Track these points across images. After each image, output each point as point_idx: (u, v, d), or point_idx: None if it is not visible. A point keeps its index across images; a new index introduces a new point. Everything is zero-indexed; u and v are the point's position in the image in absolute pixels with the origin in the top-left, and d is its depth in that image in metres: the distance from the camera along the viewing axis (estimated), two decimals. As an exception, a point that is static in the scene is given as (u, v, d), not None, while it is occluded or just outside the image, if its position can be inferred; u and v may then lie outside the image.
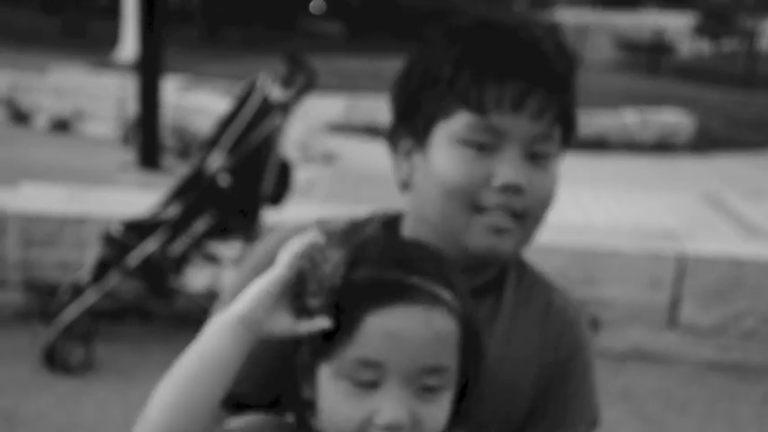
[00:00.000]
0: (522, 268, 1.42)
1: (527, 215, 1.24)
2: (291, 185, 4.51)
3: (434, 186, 1.24)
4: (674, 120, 11.95)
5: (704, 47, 27.04)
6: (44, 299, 4.63)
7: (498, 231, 1.23)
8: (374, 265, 1.12)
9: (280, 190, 4.41)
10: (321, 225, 1.34)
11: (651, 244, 4.89)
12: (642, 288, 4.78)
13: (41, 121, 11.78)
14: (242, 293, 1.19)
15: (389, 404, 1.07)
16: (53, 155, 9.43)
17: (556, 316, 1.39)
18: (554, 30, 1.32)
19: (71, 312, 4.15)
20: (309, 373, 1.14)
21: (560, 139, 1.28)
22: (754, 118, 13.18)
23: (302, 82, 4.39)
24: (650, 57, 22.11)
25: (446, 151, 1.23)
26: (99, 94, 11.62)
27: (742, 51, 22.61)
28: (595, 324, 4.77)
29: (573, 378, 1.38)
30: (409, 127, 1.29)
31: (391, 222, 1.40)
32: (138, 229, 4.25)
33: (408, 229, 1.35)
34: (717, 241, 5.27)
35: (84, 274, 4.29)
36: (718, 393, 4.45)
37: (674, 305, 4.78)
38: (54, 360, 4.14)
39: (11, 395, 3.91)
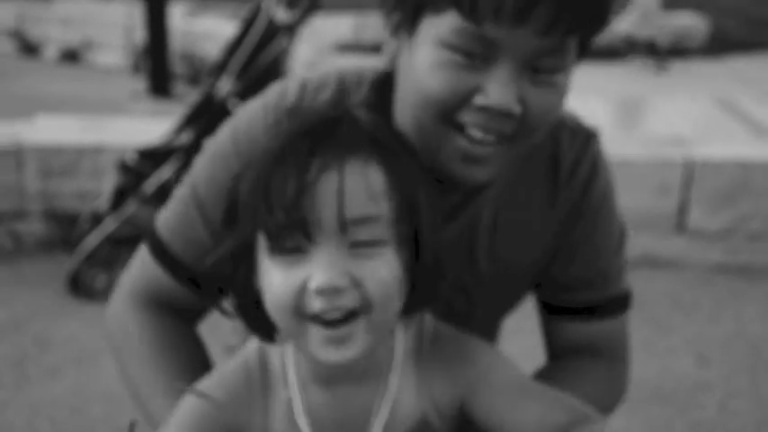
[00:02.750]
0: None
1: (517, 137, 1.10)
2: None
3: (411, 89, 1.11)
4: (688, 23, 11.79)
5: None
6: (65, 228, 4.71)
7: (473, 159, 1.10)
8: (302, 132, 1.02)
9: (289, 113, 4.42)
10: (305, 87, 1.27)
11: (659, 151, 4.91)
12: (650, 195, 4.81)
13: (50, 52, 11.74)
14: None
15: (320, 265, 0.96)
16: (64, 86, 9.41)
17: (568, 175, 1.29)
18: None
19: (92, 240, 4.25)
20: (251, 263, 1.05)
21: (576, 49, 1.11)
22: (768, 18, 12.98)
23: (307, 2, 4.36)
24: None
25: (430, 51, 1.07)
26: (107, 22, 11.52)
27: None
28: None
29: (599, 210, 1.31)
30: (400, 10, 1.14)
31: (381, 83, 1.28)
32: (153, 156, 4.31)
33: (398, 102, 1.21)
34: (724, 145, 5.27)
35: (103, 202, 4.37)
36: (725, 295, 4.52)
37: (682, 210, 4.83)
38: (79, 286, 4.25)
39: (40, 320, 4.01)
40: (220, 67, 4.38)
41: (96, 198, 4.56)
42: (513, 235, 1.29)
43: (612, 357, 1.33)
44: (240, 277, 1.06)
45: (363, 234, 0.97)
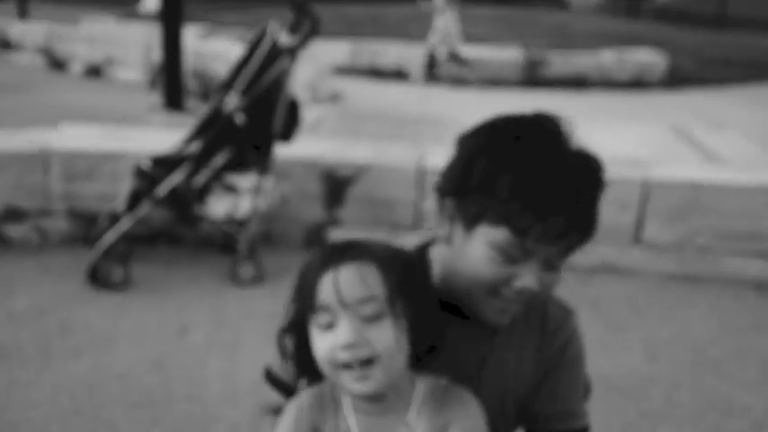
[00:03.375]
0: None
1: (532, 299, 1.41)
2: (300, 122, 4.57)
3: (467, 269, 1.37)
4: (649, 59, 11.89)
5: (680, -10, 26.58)
6: (86, 226, 4.76)
7: (506, 312, 1.39)
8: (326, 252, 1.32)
9: (290, 127, 4.46)
10: None
11: (620, 170, 4.95)
12: (611, 210, 4.84)
13: (76, 67, 11.76)
14: None
15: (342, 332, 1.24)
16: (88, 98, 9.43)
17: (551, 319, 1.52)
18: (597, 170, 1.37)
19: (110, 237, 4.28)
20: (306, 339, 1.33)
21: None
22: (721, 56, 13.07)
23: (307, 28, 4.41)
24: (629, 1, 21.78)
25: (483, 250, 1.34)
26: (127, 42, 11.54)
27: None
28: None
29: (567, 362, 1.52)
30: (459, 203, 1.38)
31: (423, 249, 1.54)
32: (166, 163, 4.34)
33: (437, 264, 1.47)
34: (678, 167, 5.33)
35: (120, 204, 4.40)
36: (674, 300, 4.58)
37: (639, 224, 4.88)
38: (97, 278, 4.28)
39: (63, 308, 4.05)
40: (228, 85, 4.42)
41: (114, 200, 4.59)
42: (504, 372, 1.51)
43: None
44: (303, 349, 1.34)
45: (367, 310, 1.25)
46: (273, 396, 1.53)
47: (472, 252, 1.35)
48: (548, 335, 1.50)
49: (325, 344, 1.27)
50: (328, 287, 1.26)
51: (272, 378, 1.54)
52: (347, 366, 1.26)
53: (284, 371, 1.51)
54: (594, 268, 4.88)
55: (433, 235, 1.52)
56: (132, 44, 11.40)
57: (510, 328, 1.48)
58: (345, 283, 1.25)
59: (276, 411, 1.48)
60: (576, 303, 4.54)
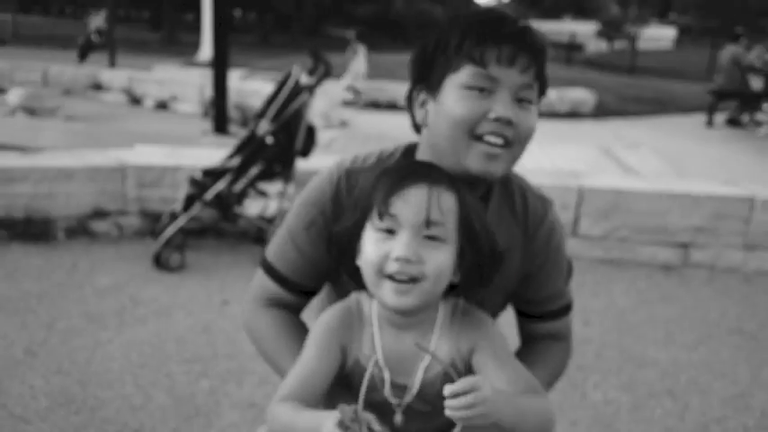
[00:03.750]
0: (508, 176, 1.34)
1: (514, 143, 1.17)
2: (316, 143, 4.52)
3: (444, 120, 1.17)
4: (582, 96, 11.85)
5: (603, 46, 26.66)
6: (152, 222, 4.70)
7: (491, 157, 1.16)
8: (405, 165, 1.14)
9: (308, 146, 4.40)
10: (357, 158, 1.32)
11: (562, 180, 4.93)
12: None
13: (149, 102, 11.73)
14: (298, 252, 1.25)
15: (400, 244, 1.05)
16: (157, 126, 9.41)
17: (532, 213, 1.32)
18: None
19: (170, 231, 4.21)
20: (356, 242, 1.12)
21: (538, 92, 1.21)
22: (634, 95, 13.09)
23: (322, 71, 4.37)
24: (567, 52, 21.83)
25: (454, 94, 1.15)
26: (187, 83, 11.55)
27: (627, 49, 22.37)
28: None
29: (552, 252, 1.34)
30: (425, 83, 1.21)
31: (409, 150, 1.34)
32: (213, 174, 4.29)
33: (421, 154, 1.28)
34: (604, 178, 5.28)
35: (178, 205, 4.33)
36: (602, 279, 4.52)
37: (576, 221, 4.83)
38: (160, 263, 4.22)
39: (134, 285, 3.99)
40: (261, 114, 4.36)
41: (174, 202, 4.53)
42: (504, 240, 1.31)
43: (565, 338, 1.41)
44: (348, 246, 1.13)
45: (434, 231, 1.06)
46: (269, 284, 1.31)
47: (446, 103, 1.16)
48: (530, 228, 1.30)
49: (379, 250, 1.06)
50: (404, 199, 1.05)
51: (268, 268, 1.32)
52: (391, 277, 1.06)
53: (282, 263, 1.30)
54: (541, 254, 4.81)
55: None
56: (190, 85, 11.38)
57: (498, 220, 1.28)
58: (421, 202, 1.05)
59: (271, 300, 1.30)
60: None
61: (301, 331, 1.31)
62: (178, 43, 23.99)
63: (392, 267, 1.05)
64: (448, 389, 0.98)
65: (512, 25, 1.17)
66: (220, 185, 4.21)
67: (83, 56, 14.96)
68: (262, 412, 2.81)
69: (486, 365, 1.12)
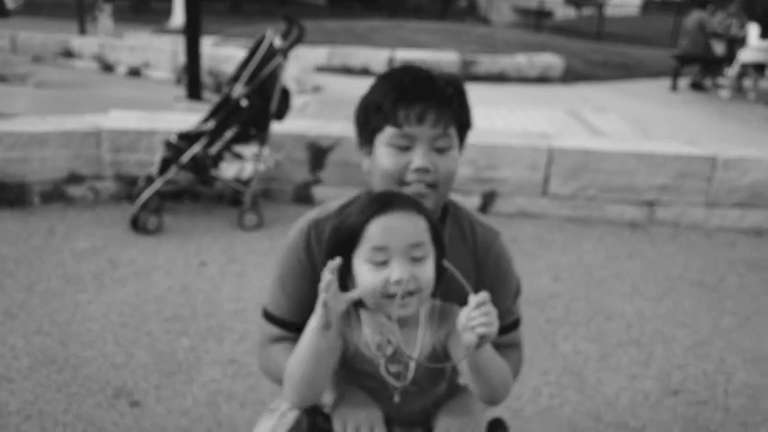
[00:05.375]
0: (457, 210, 1.46)
1: (437, 185, 1.31)
2: (291, 106, 4.47)
3: (378, 173, 1.33)
4: (551, 61, 11.82)
5: (571, 12, 26.63)
6: (128, 186, 4.63)
7: (419, 197, 1.30)
8: (373, 200, 1.22)
9: (283, 109, 4.35)
10: (322, 209, 1.44)
11: (531, 141, 4.94)
12: (525, 170, 4.85)
13: (121, 69, 11.48)
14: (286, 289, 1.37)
15: (396, 270, 1.16)
16: (130, 92, 9.22)
17: (480, 242, 1.44)
18: (450, 75, 1.36)
19: (146, 194, 4.16)
20: (348, 273, 1.22)
21: (458, 135, 1.33)
22: (602, 60, 13.11)
23: (295, 35, 4.31)
24: (536, 19, 21.76)
25: (382, 151, 1.30)
26: (159, 50, 11.33)
27: (595, 16, 22.38)
28: (494, 195, 4.87)
29: (500, 274, 1.44)
30: (364, 139, 1.37)
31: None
32: (188, 137, 4.23)
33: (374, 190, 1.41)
34: (573, 139, 5.31)
35: (154, 169, 4.27)
36: (571, 237, 4.56)
37: (546, 181, 4.86)
38: (137, 226, 4.17)
39: (112, 249, 3.94)
40: (235, 78, 4.30)
41: (150, 166, 4.47)
42: (451, 284, 1.42)
43: (516, 347, 1.53)
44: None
45: (418, 252, 1.18)
46: (271, 329, 1.43)
47: (377, 158, 1.32)
48: (480, 254, 1.42)
49: (377, 278, 1.17)
50: (384, 231, 1.16)
51: (267, 315, 1.45)
52: (392, 296, 1.18)
53: (277, 308, 1.42)
54: (513, 214, 4.85)
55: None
56: (163, 51, 11.15)
57: (451, 246, 1.40)
58: (401, 230, 1.17)
59: (276, 340, 1.41)
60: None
61: None
62: (150, 11, 23.42)
63: (393, 289, 1.16)
64: (473, 298, 1.10)
65: (422, 84, 1.29)
66: (196, 148, 4.15)
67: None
68: (242, 368, 2.83)
69: (458, 343, 1.24)
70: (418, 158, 1.28)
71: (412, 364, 1.22)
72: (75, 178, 4.65)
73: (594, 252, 4.31)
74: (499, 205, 4.86)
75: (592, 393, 2.79)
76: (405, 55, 11.25)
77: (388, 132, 1.29)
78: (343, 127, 5.06)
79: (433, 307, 1.27)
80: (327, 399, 1.24)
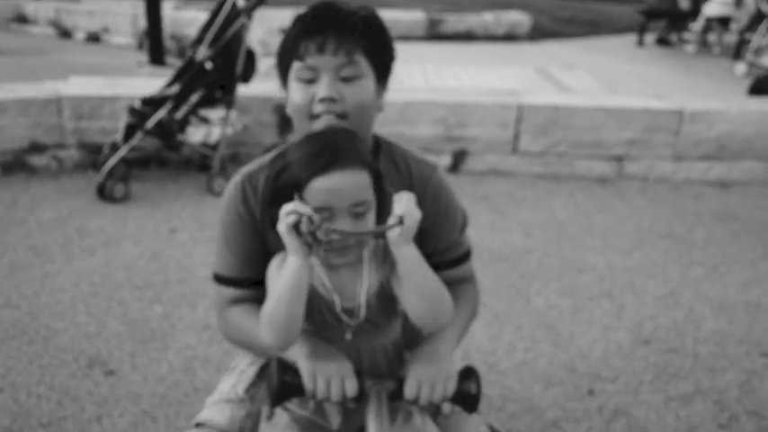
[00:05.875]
0: (390, 146, 1.41)
1: (346, 115, 1.26)
2: (257, 69, 4.39)
3: (291, 109, 1.30)
4: (518, 18, 11.77)
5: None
6: (93, 154, 4.53)
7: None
8: (315, 155, 1.13)
9: (248, 71, 4.27)
10: (254, 162, 1.39)
11: (501, 99, 4.92)
12: (495, 128, 4.84)
13: (79, 35, 11.16)
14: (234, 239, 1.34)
15: (340, 224, 1.09)
16: (90, 59, 8.98)
17: (417, 176, 1.39)
18: (364, 8, 1.30)
19: (111, 162, 4.07)
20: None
21: (374, 65, 1.28)
22: (569, 17, 13.08)
23: (259, -5, 4.21)
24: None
25: (292, 85, 1.28)
26: (119, 14, 11.02)
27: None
28: (464, 153, 4.86)
29: (442, 208, 1.40)
30: (282, 79, 1.33)
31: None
32: (152, 102, 4.13)
33: (296, 136, 1.33)
34: (542, 96, 5.30)
35: (118, 136, 4.18)
36: (542, 193, 4.58)
37: (516, 138, 4.85)
38: (104, 194, 4.09)
39: (79, 218, 3.87)
40: (198, 40, 4.20)
41: (114, 133, 4.36)
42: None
43: (470, 280, 1.50)
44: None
45: (360, 209, 1.12)
46: (225, 290, 1.39)
47: (289, 92, 1.30)
48: (417, 189, 1.35)
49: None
50: (327, 192, 1.09)
51: (219, 278, 1.40)
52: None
53: (226, 268, 1.38)
54: (484, 172, 4.86)
55: None
56: (123, 15, 10.85)
57: (383, 167, 1.35)
58: (343, 190, 1.09)
59: (232, 301, 1.37)
60: (471, 199, 4.54)
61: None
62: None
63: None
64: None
65: (323, 15, 1.26)
66: (161, 113, 4.06)
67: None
68: (217, 333, 2.80)
69: (398, 290, 1.22)
70: (322, 89, 1.24)
71: (363, 300, 1.19)
72: (36, 147, 4.53)
73: (565, 208, 4.34)
74: (470, 164, 4.85)
75: (566, 346, 2.83)
76: (371, 15, 11.12)
77: (295, 66, 1.27)
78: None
79: (376, 246, 1.23)
80: (294, 353, 1.21)
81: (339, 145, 1.13)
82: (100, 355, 2.64)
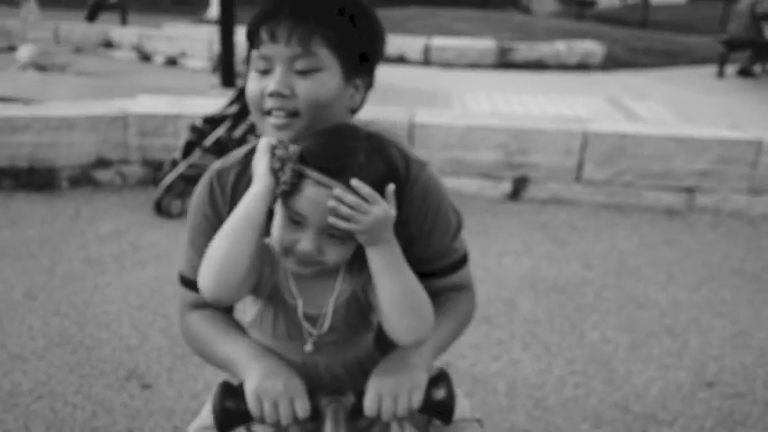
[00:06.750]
0: (380, 141, 1.18)
1: (299, 113, 1.12)
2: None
3: (248, 103, 1.19)
4: (592, 48, 11.55)
5: (616, 1, 26.06)
6: (154, 171, 4.62)
7: (279, 127, 1.13)
8: (314, 164, 1.01)
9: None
10: (226, 158, 1.30)
11: (565, 125, 4.79)
12: (559, 155, 4.70)
13: (158, 59, 11.58)
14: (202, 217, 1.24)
15: (306, 240, 1.01)
16: (167, 81, 9.28)
17: (411, 187, 1.23)
18: None
19: (169, 178, 4.14)
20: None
21: (340, 57, 1.13)
22: (644, 47, 12.75)
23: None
24: (579, 8, 21.34)
25: (251, 74, 1.17)
26: (196, 39, 11.40)
27: (640, 4, 21.88)
28: (525, 180, 4.73)
29: (432, 210, 1.25)
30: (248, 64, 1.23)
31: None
32: (213, 121, 4.19)
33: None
34: (609, 123, 5.13)
35: (178, 153, 4.25)
36: (605, 224, 4.40)
37: (580, 166, 4.70)
38: (161, 210, 4.16)
39: (136, 232, 3.93)
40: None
41: (176, 150, 4.43)
42: None
43: (466, 288, 1.36)
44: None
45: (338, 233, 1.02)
46: (190, 294, 1.29)
47: (247, 83, 1.19)
48: (408, 188, 1.22)
49: (288, 236, 1.03)
50: (305, 205, 1.00)
51: (184, 280, 1.32)
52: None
53: (192, 271, 1.26)
54: (546, 200, 4.71)
55: None
56: (199, 41, 11.21)
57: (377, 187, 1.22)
58: (319, 203, 0.99)
59: (196, 305, 1.29)
60: (532, 227, 4.41)
61: (229, 320, 1.29)
62: (188, 3, 23.67)
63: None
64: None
65: (281, 0, 1.14)
66: (219, 131, 4.11)
67: (92, 16, 14.77)
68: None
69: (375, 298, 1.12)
70: (272, 82, 1.11)
71: (330, 309, 1.08)
72: (102, 162, 4.66)
73: (629, 239, 4.14)
74: (531, 191, 4.71)
75: (620, 384, 2.65)
76: (440, 42, 11.09)
77: (252, 56, 1.16)
78: (371, 111, 4.98)
79: (354, 254, 1.12)
80: (239, 371, 1.11)
81: (320, 154, 1.02)
82: (138, 368, 2.63)
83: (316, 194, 1.00)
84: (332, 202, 0.97)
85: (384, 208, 0.99)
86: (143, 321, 2.98)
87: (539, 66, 11.15)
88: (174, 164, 4.20)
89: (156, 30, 12.83)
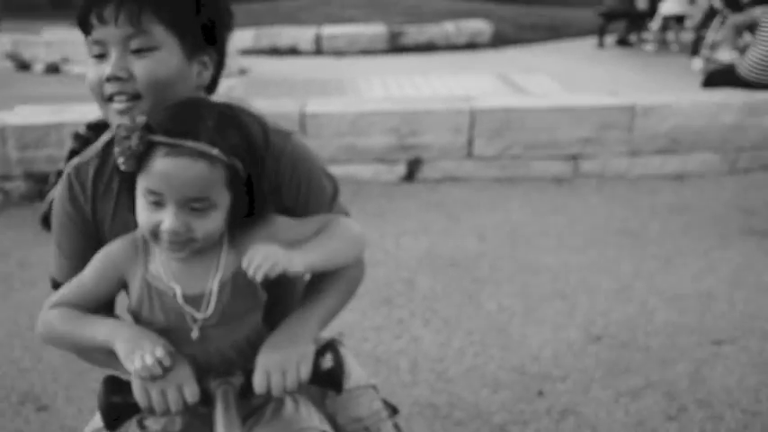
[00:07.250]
0: (228, 107, 1.20)
1: (140, 95, 1.10)
2: (216, 90, 4.32)
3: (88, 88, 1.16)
4: (480, 27, 11.80)
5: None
6: (39, 184, 4.42)
7: (122, 111, 1.11)
8: (161, 131, 1.01)
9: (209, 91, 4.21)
10: (84, 154, 1.28)
11: (453, 104, 4.89)
12: (449, 134, 4.80)
13: (38, 67, 11.04)
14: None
15: (168, 218, 1.01)
16: (48, 89, 8.87)
17: (270, 150, 1.19)
18: None
19: (56, 190, 3.98)
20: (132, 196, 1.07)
21: (176, 33, 1.11)
22: (530, 24, 13.17)
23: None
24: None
25: (88, 62, 1.14)
26: (80, 44, 10.90)
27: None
28: (419, 161, 4.82)
29: (303, 180, 1.23)
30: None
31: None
32: (96, 127, 4.05)
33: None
34: (494, 98, 5.29)
35: (63, 163, 4.09)
36: (498, 197, 4.53)
37: (470, 143, 4.82)
38: (48, 225, 3.97)
39: (22, 250, 3.78)
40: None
41: (60, 161, 4.26)
42: None
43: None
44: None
45: (198, 205, 1.02)
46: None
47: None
48: (274, 161, 1.19)
49: (150, 219, 1.03)
50: (161, 177, 0.99)
51: (52, 282, 1.30)
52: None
53: (61, 274, 1.26)
54: (440, 179, 4.81)
55: None
56: (83, 45, 10.74)
57: None
58: (179, 180, 0.99)
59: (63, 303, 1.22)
60: (427, 206, 4.49)
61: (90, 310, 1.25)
62: (69, 6, 22.64)
63: (165, 236, 1.03)
64: (245, 260, 1.02)
65: None
66: (104, 138, 3.98)
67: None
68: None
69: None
70: (108, 66, 1.09)
71: (215, 288, 1.07)
72: (-20, 180, 4.44)
73: (521, 210, 4.30)
74: (425, 172, 4.81)
75: (516, 348, 2.78)
76: (331, 31, 11.07)
77: (87, 42, 1.12)
78: (263, 104, 4.94)
79: (237, 227, 1.12)
80: (108, 340, 1.08)
81: (183, 131, 1.00)
82: (33, 390, 2.55)
83: (167, 166, 1.00)
84: (244, 263, 1.02)
85: (257, 247, 1.04)
86: (35, 342, 2.87)
87: (429, 47, 11.31)
88: (60, 175, 4.02)
89: (34, 35, 12.22)
